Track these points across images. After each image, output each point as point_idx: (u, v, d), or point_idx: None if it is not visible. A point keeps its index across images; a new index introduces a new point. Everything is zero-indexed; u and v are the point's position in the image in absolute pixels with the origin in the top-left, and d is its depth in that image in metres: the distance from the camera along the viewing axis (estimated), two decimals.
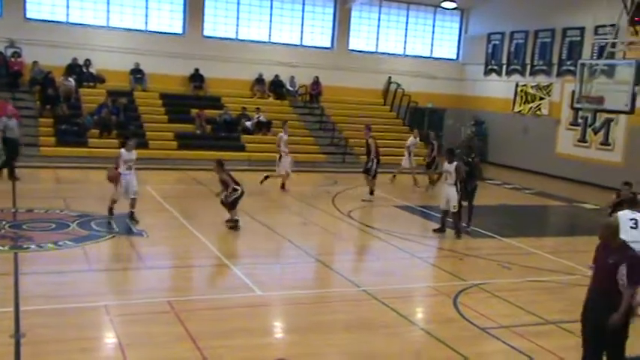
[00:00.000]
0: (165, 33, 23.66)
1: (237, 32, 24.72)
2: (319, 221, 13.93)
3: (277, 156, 17.22)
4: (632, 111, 16.11)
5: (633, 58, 16.02)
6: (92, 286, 8.78)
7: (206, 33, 24.23)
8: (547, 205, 18.44)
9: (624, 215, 8.46)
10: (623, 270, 5.76)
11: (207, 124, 22.03)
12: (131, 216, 12.24)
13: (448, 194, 12.76)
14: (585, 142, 22.28)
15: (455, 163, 12.75)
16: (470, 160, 13.77)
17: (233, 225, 12.31)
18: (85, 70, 22.15)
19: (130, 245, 10.85)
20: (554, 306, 9.07)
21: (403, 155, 19.48)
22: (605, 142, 21.55)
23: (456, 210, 12.74)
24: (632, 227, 8.40)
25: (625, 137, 20.82)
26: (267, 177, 17.06)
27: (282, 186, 17.05)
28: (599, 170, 21.18)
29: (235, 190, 12.28)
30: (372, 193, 16.34)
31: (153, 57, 22.90)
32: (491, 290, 9.53)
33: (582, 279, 10.39)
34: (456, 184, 12.69)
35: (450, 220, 12.98)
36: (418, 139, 20.35)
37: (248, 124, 22.35)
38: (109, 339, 7.14)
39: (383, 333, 7.75)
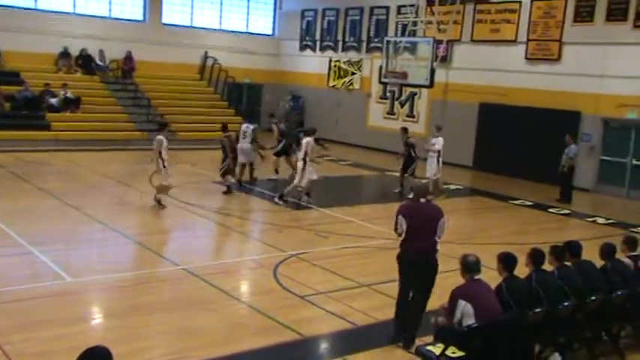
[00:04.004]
0: None
1: (35, 0, 22.70)
2: (137, 201, 13.40)
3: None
4: (431, 85, 17.53)
5: (431, 37, 17.37)
6: None
7: None
8: (361, 175, 19.41)
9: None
10: (442, 223, 6.78)
11: (6, 102, 20.08)
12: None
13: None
14: (393, 114, 23.76)
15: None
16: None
17: (226, 190, 14.18)
18: None
19: None
20: (366, 269, 9.62)
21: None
22: (411, 115, 23.17)
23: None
24: None
25: (427, 109, 22.54)
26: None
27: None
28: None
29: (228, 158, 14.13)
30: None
31: None
32: (309, 259, 9.87)
33: (392, 243, 11.16)
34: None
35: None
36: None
37: (53, 101, 20.76)
38: None
39: (204, 309, 7.70)
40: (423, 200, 6.95)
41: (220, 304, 7.92)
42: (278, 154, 16.43)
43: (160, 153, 12.20)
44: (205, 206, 13.05)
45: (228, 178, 14.39)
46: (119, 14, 24.53)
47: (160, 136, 12.28)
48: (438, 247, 6.84)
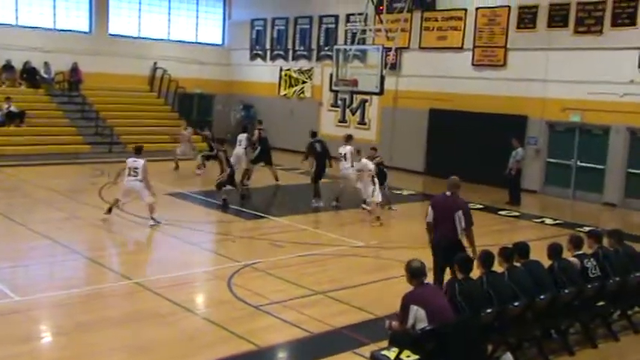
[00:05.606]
0: None
1: None
2: (86, 215, 13.09)
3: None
4: (381, 92, 17.67)
5: (380, 44, 17.54)
6: None
7: None
8: None
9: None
10: (460, 215, 7.88)
11: None
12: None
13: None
14: (345, 122, 23.90)
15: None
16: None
17: (222, 204, 14.34)
18: None
19: None
20: (321, 277, 9.64)
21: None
22: (362, 122, 23.36)
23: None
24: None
25: (378, 116, 22.76)
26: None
27: None
28: (359, 147, 22.86)
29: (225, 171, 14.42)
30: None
31: None
32: (263, 269, 9.82)
33: (347, 250, 11.24)
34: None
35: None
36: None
37: None
38: None
39: (158, 323, 7.59)
40: (448, 193, 8.12)
41: (174, 317, 7.80)
42: (254, 161, 17.35)
43: None
44: (157, 218, 12.83)
45: (223, 191, 14.58)
46: (64, 25, 24.01)
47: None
48: (460, 231, 7.93)
